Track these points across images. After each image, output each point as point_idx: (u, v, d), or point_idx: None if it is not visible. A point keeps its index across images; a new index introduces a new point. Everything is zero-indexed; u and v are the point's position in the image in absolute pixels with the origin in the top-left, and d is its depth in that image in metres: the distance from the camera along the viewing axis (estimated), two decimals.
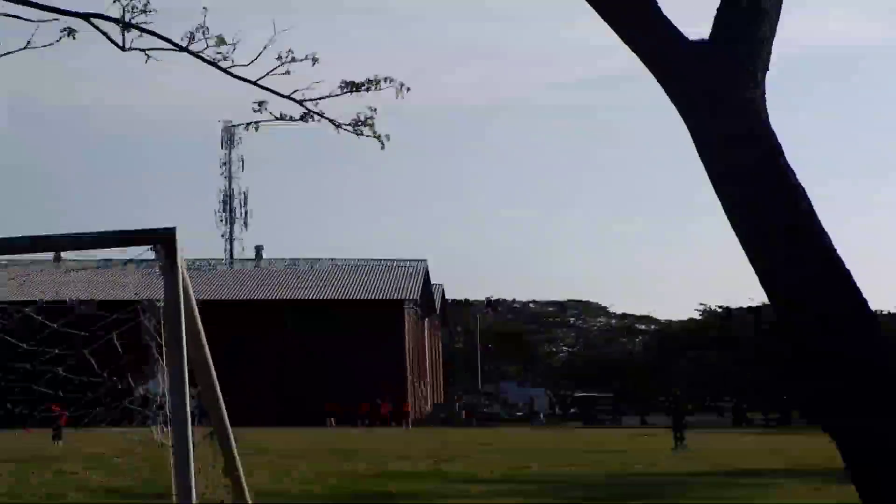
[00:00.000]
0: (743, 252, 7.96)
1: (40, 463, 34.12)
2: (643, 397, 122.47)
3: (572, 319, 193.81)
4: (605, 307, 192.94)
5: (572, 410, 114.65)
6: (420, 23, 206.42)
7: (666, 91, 8.22)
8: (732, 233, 8.00)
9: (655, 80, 8.26)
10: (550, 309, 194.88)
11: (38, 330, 8.49)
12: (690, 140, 8.15)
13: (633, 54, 8.29)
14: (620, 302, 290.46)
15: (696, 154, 8.14)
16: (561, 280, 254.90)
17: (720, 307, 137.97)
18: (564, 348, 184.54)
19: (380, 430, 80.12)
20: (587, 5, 8.35)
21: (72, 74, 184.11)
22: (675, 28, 8.20)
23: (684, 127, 8.21)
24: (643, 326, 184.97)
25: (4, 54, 12.38)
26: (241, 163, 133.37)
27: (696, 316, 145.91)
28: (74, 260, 7.26)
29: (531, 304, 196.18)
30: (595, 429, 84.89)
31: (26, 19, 11.96)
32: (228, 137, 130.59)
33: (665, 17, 8.20)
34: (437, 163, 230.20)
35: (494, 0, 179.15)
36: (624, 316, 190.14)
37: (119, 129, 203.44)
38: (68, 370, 7.88)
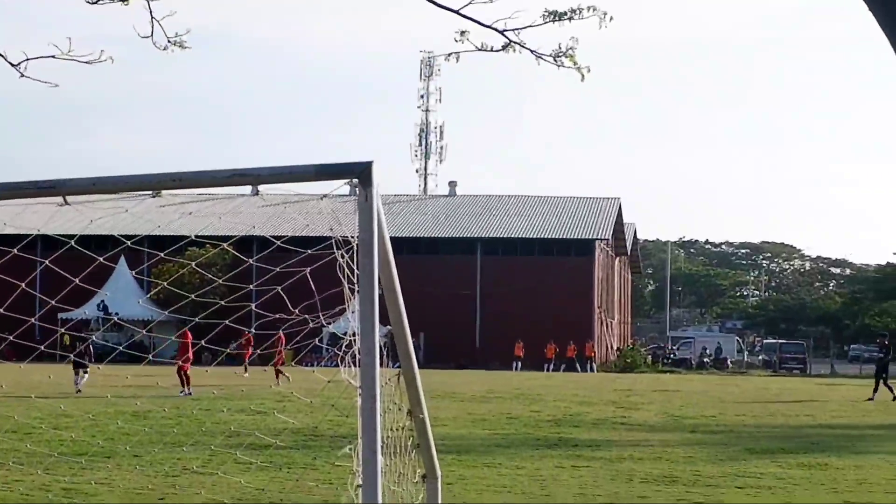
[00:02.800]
0: None
1: (227, 400, 34.75)
2: (836, 345, 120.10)
3: (766, 262, 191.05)
4: (799, 249, 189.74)
5: (761, 357, 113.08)
6: None
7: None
8: None
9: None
10: (743, 251, 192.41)
11: (233, 264, 8.42)
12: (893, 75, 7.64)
13: None
14: (817, 244, 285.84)
15: None
16: (755, 221, 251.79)
17: None
18: (756, 292, 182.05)
19: (564, 374, 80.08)
20: None
21: (272, 4, 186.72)
22: None
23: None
24: (838, 270, 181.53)
25: None
26: (438, 95, 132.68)
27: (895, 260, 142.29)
28: (272, 193, 7.16)
29: (723, 246, 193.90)
30: (784, 377, 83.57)
31: None
32: (427, 68, 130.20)
33: None
34: (636, 98, 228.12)
35: None
36: (819, 259, 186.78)
37: (320, 61, 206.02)
38: (261, 306, 7.81)
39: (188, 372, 39.08)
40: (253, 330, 9.35)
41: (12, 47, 13.13)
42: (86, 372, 39.21)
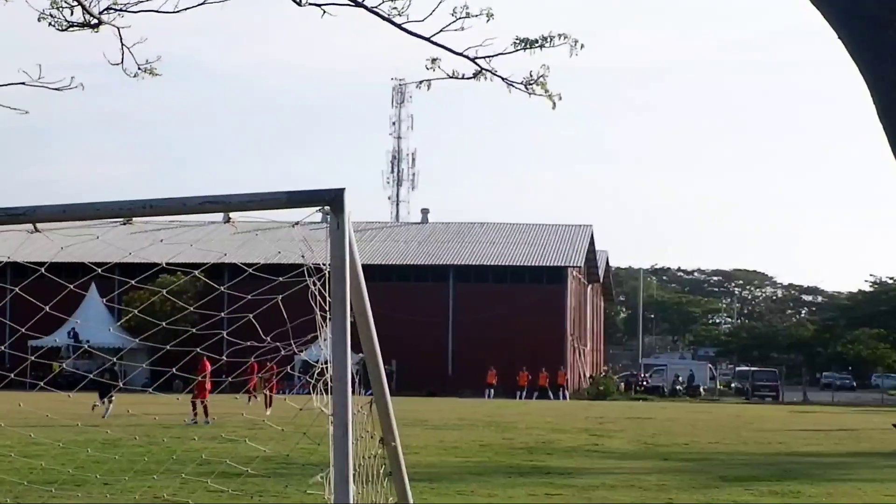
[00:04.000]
0: None
1: (197, 427, 34.60)
2: (809, 372, 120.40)
3: (738, 290, 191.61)
4: (771, 277, 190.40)
5: (734, 385, 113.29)
6: None
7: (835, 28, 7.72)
8: None
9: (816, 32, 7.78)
10: (715, 278, 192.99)
11: (204, 292, 8.41)
12: (865, 103, 7.67)
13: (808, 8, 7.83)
14: (786, 272, 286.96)
15: (874, 115, 7.65)
16: (727, 249, 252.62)
17: (892, 278, 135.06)
18: (728, 319, 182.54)
19: (537, 401, 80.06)
20: None
21: (242, 32, 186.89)
22: None
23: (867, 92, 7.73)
24: (810, 298, 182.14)
25: (182, 10, 12.38)
26: (410, 122, 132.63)
27: (867, 288, 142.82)
28: (243, 221, 7.15)
29: (696, 273, 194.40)
30: (757, 404, 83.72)
31: None
32: (399, 95, 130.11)
33: None
34: (603, 124, 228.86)
35: None
36: (791, 286, 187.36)
37: (288, 87, 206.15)
38: (232, 334, 7.78)
39: (206, 401, 38.92)
40: (222, 357, 9.33)
41: None
42: (111, 400, 39.29)
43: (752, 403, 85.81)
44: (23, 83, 12.88)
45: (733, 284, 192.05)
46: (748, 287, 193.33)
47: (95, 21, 12.58)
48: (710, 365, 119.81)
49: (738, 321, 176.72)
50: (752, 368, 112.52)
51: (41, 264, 8.15)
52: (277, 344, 8.35)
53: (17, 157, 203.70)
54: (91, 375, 41.72)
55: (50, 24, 12.67)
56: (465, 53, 11.14)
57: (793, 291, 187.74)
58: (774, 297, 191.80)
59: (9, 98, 13.27)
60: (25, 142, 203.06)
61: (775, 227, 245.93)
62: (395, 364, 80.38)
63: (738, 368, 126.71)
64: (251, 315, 7.60)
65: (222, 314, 7.70)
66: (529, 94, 11.21)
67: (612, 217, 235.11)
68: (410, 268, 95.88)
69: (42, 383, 11.67)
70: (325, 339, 6.66)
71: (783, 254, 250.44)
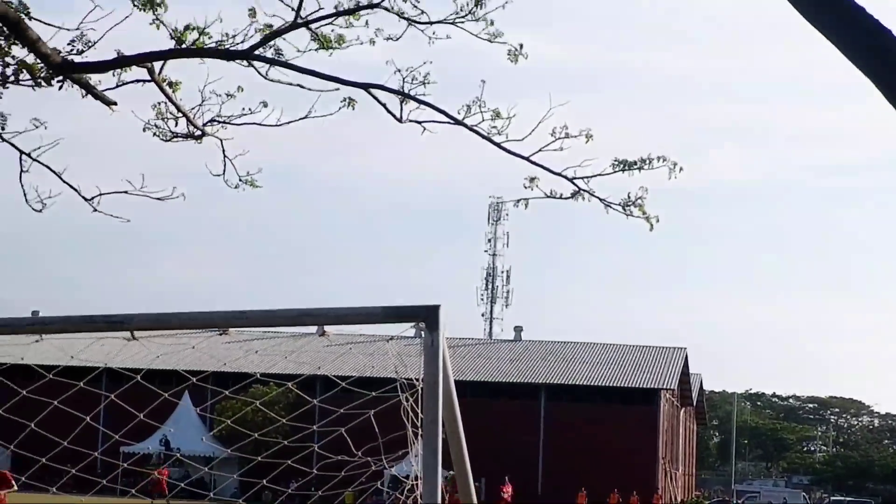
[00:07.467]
0: None
1: None
2: None
3: (833, 417, 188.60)
4: (868, 405, 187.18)
5: None
6: (682, 100, 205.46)
7: None
8: None
9: None
10: (811, 405, 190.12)
11: (297, 403, 8.42)
12: None
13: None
14: (886, 401, 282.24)
15: None
16: (824, 375, 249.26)
17: None
18: (823, 447, 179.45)
19: None
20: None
21: (342, 145, 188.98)
22: None
23: None
24: None
25: (284, 123, 12.55)
26: (506, 239, 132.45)
27: None
28: (337, 333, 7.16)
29: (791, 399, 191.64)
30: None
31: (308, 88, 12.12)
32: (496, 213, 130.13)
33: None
34: (704, 245, 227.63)
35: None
36: (888, 416, 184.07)
37: (386, 200, 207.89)
38: (324, 447, 7.75)
39: None
40: (312, 471, 9.29)
41: (85, 181, 13.29)
42: None
43: None
44: (125, 192, 13.07)
45: (829, 412, 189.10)
46: (844, 415, 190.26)
47: (199, 133, 12.80)
48: (803, 493, 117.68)
49: (834, 450, 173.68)
50: (847, 498, 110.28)
51: (137, 371, 8.21)
52: (368, 459, 8.32)
53: (116, 260, 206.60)
54: (182, 484, 41.88)
55: (154, 134, 12.90)
56: (563, 174, 11.14)
57: (890, 421, 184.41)
58: (871, 427, 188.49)
59: (111, 205, 13.45)
60: (124, 245, 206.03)
61: (873, 354, 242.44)
62: (483, 482, 79.72)
63: (832, 498, 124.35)
64: (343, 429, 7.59)
65: (314, 427, 7.69)
66: (627, 215, 11.18)
67: (707, 340, 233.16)
68: (503, 385, 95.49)
69: (133, 490, 11.70)
70: (415, 455, 6.61)
71: (881, 382, 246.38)
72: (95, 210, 13.18)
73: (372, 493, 52.77)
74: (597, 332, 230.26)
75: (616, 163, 11.07)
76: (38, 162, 12.98)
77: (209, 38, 12.32)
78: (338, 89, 12.04)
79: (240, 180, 13.13)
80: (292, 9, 12.03)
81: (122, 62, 12.26)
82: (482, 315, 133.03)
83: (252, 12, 12.16)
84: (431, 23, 11.89)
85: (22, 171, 13.05)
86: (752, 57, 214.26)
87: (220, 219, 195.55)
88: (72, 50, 12.35)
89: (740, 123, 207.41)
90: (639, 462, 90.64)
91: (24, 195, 13.19)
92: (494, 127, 11.17)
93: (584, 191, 11.20)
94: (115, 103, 12.82)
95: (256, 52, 12.15)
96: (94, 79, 12.66)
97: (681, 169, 11.06)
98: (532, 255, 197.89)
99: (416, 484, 6.75)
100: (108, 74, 12.56)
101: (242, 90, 12.70)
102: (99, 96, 12.68)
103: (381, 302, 6.18)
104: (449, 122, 11.41)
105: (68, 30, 12.41)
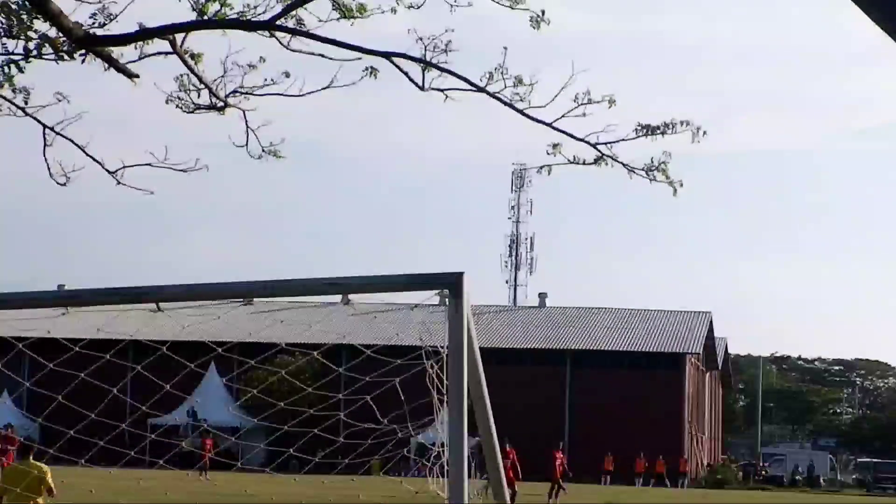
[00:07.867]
0: None
1: None
2: None
3: (859, 380, 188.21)
4: (893, 367, 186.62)
5: (855, 476, 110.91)
6: (711, 67, 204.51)
7: None
8: None
9: None
10: (836, 368, 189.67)
11: (322, 373, 8.46)
12: None
13: None
14: None
15: None
16: (849, 338, 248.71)
17: None
18: (849, 409, 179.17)
19: (655, 489, 78.97)
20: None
21: (364, 115, 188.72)
22: None
23: None
24: None
25: (307, 94, 12.56)
26: (529, 206, 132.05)
27: None
28: (362, 303, 7.19)
29: (816, 362, 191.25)
30: (879, 497, 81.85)
31: (330, 58, 12.12)
32: (519, 180, 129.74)
33: None
34: (728, 210, 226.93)
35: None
36: None
37: (407, 170, 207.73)
38: (349, 416, 7.79)
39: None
40: (339, 439, 9.32)
41: (109, 154, 13.34)
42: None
43: (874, 496, 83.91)
44: (149, 164, 13.12)
45: (854, 374, 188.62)
46: (870, 377, 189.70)
47: (222, 104, 12.82)
48: (830, 455, 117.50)
49: (860, 411, 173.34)
50: (875, 460, 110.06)
51: (163, 343, 8.26)
52: (394, 426, 8.36)
53: (140, 236, 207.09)
54: (210, 454, 42.13)
55: (177, 105, 12.92)
56: (586, 139, 11.12)
57: None
58: None
59: (135, 178, 13.52)
60: (149, 221, 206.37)
61: None
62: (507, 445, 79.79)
63: (859, 459, 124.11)
64: (368, 397, 7.62)
65: (340, 395, 7.72)
66: (650, 180, 11.17)
67: (732, 304, 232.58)
68: (527, 352, 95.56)
69: (162, 461, 11.79)
70: (441, 423, 6.64)
71: None
72: (119, 183, 13.25)
73: (399, 460, 53.06)
74: (621, 298, 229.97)
75: (639, 127, 11.06)
76: (62, 136, 13.03)
77: (231, 9, 12.34)
78: (360, 59, 12.05)
79: (263, 150, 13.17)
80: None
81: (144, 35, 12.29)
82: (506, 282, 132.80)
83: None
84: None
85: (46, 145, 13.11)
86: (783, 22, 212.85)
87: (244, 193, 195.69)
88: (94, 23, 12.38)
89: (769, 89, 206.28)
90: (665, 427, 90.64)
91: (49, 169, 13.25)
92: (517, 94, 11.17)
93: (607, 156, 11.18)
94: (138, 76, 12.86)
95: (278, 23, 12.15)
96: (116, 52, 12.70)
97: (704, 133, 11.04)
98: (556, 221, 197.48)
99: (443, 451, 6.78)
100: (130, 47, 12.59)
101: (264, 61, 12.72)
102: (121, 69, 12.71)
103: (405, 271, 6.19)
104: (471, 90, 11.41)
105: (90, 3, 12.45)
